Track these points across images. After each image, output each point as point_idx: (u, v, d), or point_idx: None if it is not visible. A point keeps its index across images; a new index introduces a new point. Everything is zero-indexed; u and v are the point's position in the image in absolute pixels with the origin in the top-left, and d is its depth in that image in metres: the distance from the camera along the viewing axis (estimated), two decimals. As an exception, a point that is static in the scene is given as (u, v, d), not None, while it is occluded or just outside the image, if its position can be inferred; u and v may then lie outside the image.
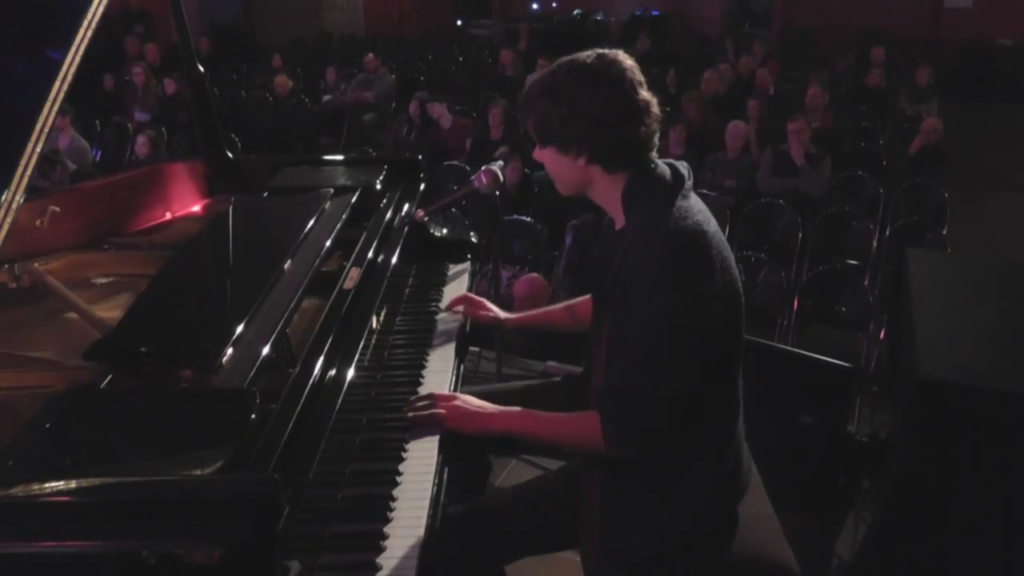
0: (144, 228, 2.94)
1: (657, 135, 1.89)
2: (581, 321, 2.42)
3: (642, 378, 1.76)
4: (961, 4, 13.43)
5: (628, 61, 1.86)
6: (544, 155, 1.93)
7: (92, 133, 8.27)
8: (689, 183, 1.89)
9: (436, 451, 1.96)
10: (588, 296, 2.39)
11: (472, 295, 2.62)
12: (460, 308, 2.58)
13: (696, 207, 1.86)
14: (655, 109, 1.86)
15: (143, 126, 8.25)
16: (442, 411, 2.00)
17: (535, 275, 5.07)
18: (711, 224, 1.85)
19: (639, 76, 1.85)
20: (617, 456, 1.84)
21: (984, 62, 12.43)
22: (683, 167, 1.92)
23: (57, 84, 1.86)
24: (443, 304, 2.65)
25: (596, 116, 1.82)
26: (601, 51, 1.87)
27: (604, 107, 1.82)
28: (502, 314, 2.55)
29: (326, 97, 10.20)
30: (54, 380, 1.86)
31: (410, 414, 2.02)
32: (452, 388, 2.27)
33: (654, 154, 1.91)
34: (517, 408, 2.00)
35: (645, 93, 1.85)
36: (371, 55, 10.40)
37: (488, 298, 2.65)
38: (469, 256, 3.00)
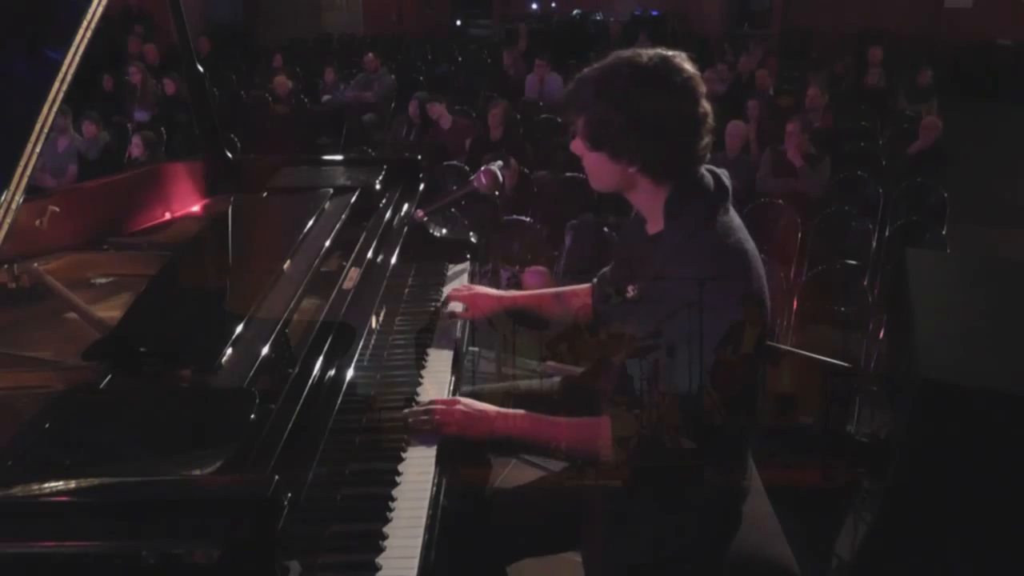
0: (144, 228, 2.94)
1: (709, 148, 1.84)
2: (569, 310, 2.42)
3: (680, 392, 1.76)
4: (961, 4, 13.42)
5: (690, 68, 1.78)
6: (590, 156, 1.86)
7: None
8: (731, 194, 1.87)
9: (435, 452, 1.96)
10: (578, 287, 2.39)
11: (466, 288, 2.60)
12: (460, 309, 2.58)
13: (736, 222, 1.84)
14: (711, 121, 1.80)
15: (141, 126, 8.24)
16: (443, 417, 2.00)
17: (542, 268, 5.04)
18: (750, 242, 1.84)
19: (702, 86, 1.78)
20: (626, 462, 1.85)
21: (984, 62, 12.43)
22: (725, 177, 1.88)
23: (57, 84, 1.86)
24: (441, 304, 2.65)
25: (657, 127, 1.76)
26: (663, 54, 1.78)
27: (667, 119, 1.75)
28: (497, 294, 2.54)
29: (325, 97, 10.20)
30: (54, 380, 1.86)
31: (411, 420, 2.01)
32: (452, 388, 2.27)
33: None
34: (519, 411, 2.00)
35: (706, 104, 1.79)
36: (371, 55, 10.39)
37: None
38: (469, 256, 3.00)
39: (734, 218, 1.85)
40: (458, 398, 2.06)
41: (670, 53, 1.79)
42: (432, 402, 2.04)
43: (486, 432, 1.98)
